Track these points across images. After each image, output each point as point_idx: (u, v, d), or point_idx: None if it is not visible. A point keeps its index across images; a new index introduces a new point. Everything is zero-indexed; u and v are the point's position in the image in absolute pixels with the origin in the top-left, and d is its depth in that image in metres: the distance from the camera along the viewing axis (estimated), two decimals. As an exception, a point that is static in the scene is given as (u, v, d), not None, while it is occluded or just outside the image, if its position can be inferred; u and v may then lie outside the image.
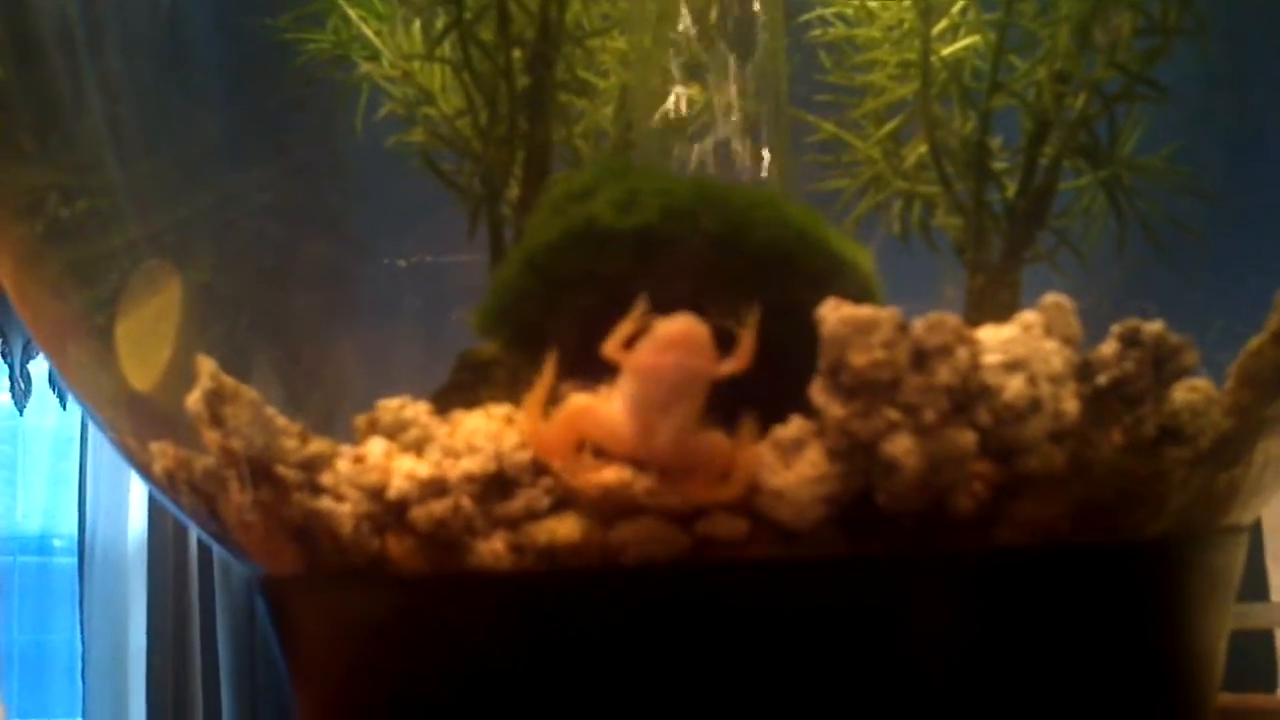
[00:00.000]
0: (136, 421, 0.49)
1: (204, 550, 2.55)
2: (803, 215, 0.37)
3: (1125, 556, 0.39)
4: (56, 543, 3.24)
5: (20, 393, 2.80)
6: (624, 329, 0.35)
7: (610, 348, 0.35)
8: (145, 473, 0.47)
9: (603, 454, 0.36)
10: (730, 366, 0.35)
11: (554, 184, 0.46)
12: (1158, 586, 0.40)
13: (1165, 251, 0.47)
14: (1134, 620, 0.39)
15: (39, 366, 2.72)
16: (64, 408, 2.82)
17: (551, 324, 0.38)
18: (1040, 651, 0.38)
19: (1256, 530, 0.46)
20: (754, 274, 0.36)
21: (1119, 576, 0.39)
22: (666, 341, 0.34)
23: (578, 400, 0.36)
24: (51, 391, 2.71)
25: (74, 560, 2.85)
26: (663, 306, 0.34)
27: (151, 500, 2.56)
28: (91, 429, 2.63)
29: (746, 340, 0.35)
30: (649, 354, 0.34)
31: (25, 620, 3.21)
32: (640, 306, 0.35)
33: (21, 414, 2.87)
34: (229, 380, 0.40)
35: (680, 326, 0.34)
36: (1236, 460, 0.41)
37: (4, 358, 2.70)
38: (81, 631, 2.80)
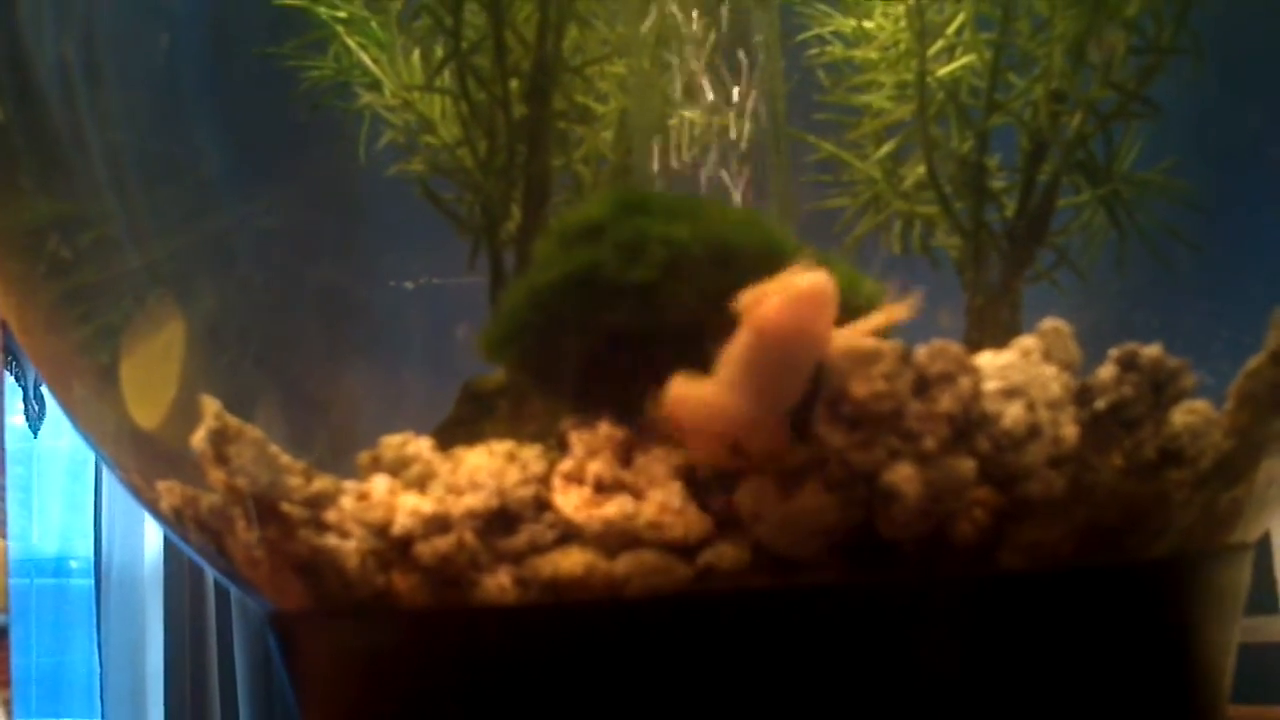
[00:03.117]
0: (141, 459, 0.49)
1: (219, 570, 2.55)
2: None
3: (1129, 577, 0.39)
4: (73, 564, 3.25)
5: (34, 415, 2.81)
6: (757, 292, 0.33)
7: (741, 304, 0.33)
8: (153, 509, 0.47)
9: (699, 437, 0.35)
10: (872, 323, 0.34)
11: (563, 214, 0.46)
12: (1163, 606, 0.40)
13: (1165, 267, 0.47)
14: (1140, 640, 0.39)
15: (52, 389, 2.72)
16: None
17: (554, 357, 0.38)
18: (1047, 674, 0.38)
19: (1265, 544, 0.46)
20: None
21: (1123, 597, 0.39)
22: (798, 295, 0.32)
23: (678, 390, 0.34)
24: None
25: (90, 582, 2.86)
26: (662, 352, 0.34)
27: (166, 520, 2.56)
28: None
29: (881, 318, 0.34)
30: (776, 310, 0.32)
31: (43, 642, 3.22)
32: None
33: (36, 436, 2.87)
34: (233, 419, 0.40)
35: (817, 280, 0.32)
36: (1239, 480, 0.41)
37: (17, 380, 2.71)
38: (99, 653, 2.81)
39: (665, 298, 0.36)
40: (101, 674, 2.79)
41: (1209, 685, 0.42)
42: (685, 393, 0.34)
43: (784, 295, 0.32)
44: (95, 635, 2.82)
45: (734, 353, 0.33)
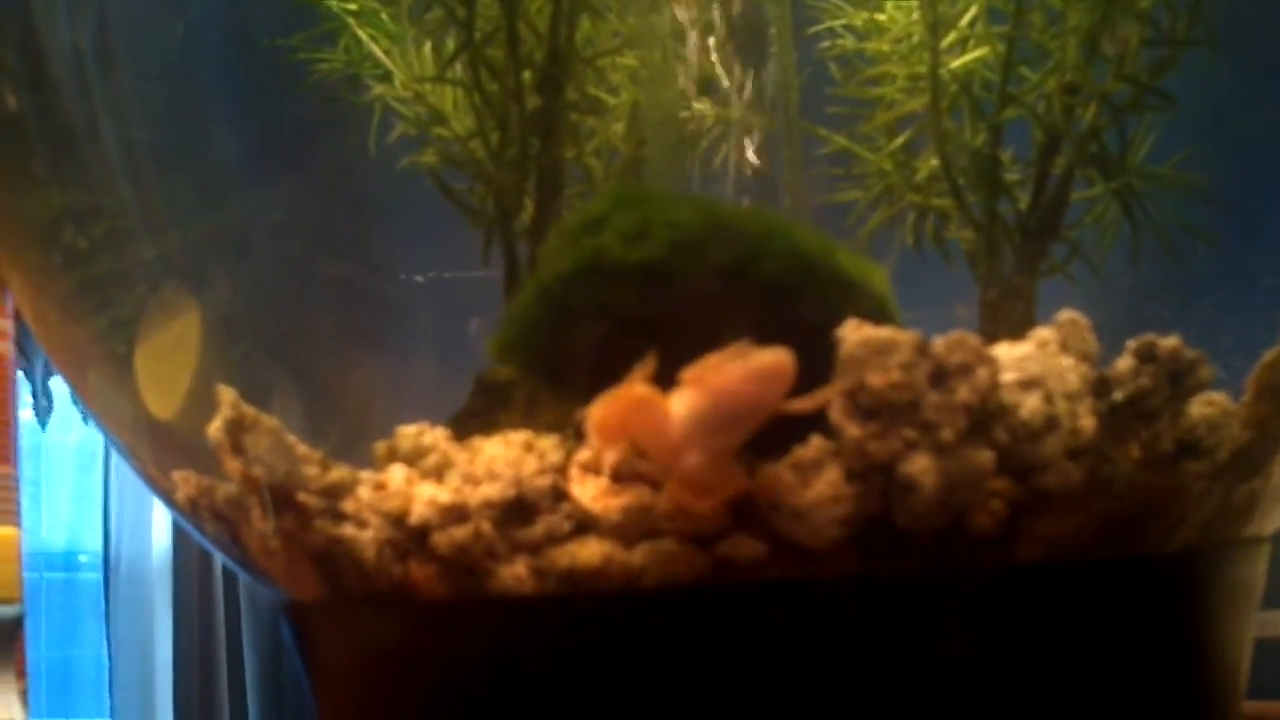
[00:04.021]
0: (157, 450, 0.49)
1: (228, 563, 2.56)
2: (815, 243, 0.37)
3: (1146, 570, 0.39)
4: (82, 558, 3.26)
5: (43, 409, 2.82)
6: (716, 360, 0.34)
7: (692, 373, 0.34)
8: (168, 500, 0.48)
9: (639, 451, 0.36)
10: (801, 405, 0.34)
11: (566, 213, 0.46)
12: (1179, 599, 0.40)
13: (1180, 260, 0.47)
14: (1156, 633, 0.39)
15: (61, 382, 2.73)
16: (86, 423, 2.83)
17: (566, 353, 0.38)
18: (1063, 666, 0.38)
19: (1280, 537, 0.46)
20: (765, 304, 0.36)
21: (1140, 590, 0.39)
22: (756, 371, 0.33)
23: (640, 390, 0.35)
24: (74, 407, 2.72)
25: (99, 576, 2.87)
26: (672, 336, 0.34)
27: (174, 514, 2.57)
28: (114, 444, 2.63)
29: (827, 394, 0.35)
30: (735, 379, 0.33)
31: (52, 636, 3.23)
32: (742, 343, 0.34)
33: (44, 430, 2.88)
34: (249, 409, 0.40)
35: (775, 359, 0.33)
36: (1256, 472, 0.41)
37: (26, 374, 2.72)
38: (108, 646, 2.82)
39: (672, 276, 0.36)
40: (110, 667, 2.80)
41: (1224, 679, 0.42)
42: (647, 400, 0.35)
43: (744, 367, 0.33)
44: (104, 629, 2.83)
45: (687, 399, 0.34)
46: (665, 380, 0.35)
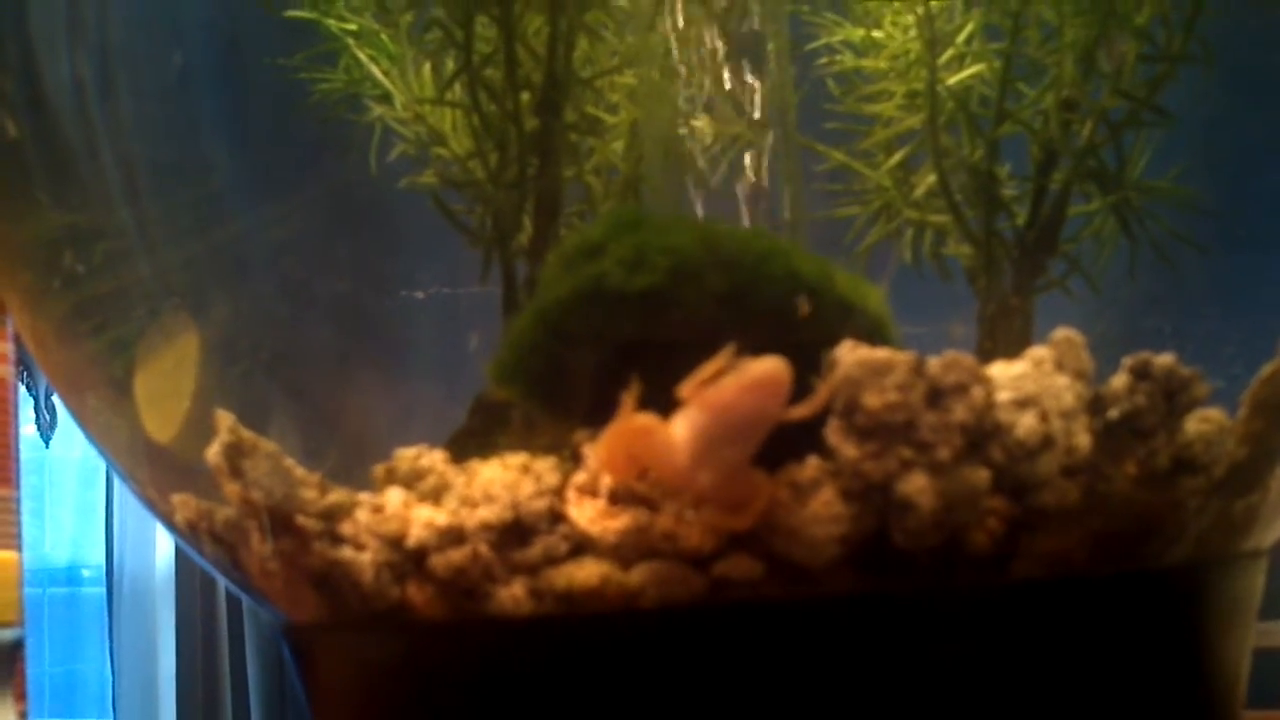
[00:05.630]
0: (156, 473, 0.49)
1: (231, 578, 2.55)
2: (812, 266, 0.37)
3: (1144, 585, 0.39)
4: (85, 573, 3.26)
5: (45, 424, 2.81)
6: (708, 371, 0.34)
7: (688, 389, 0.34)
8: (167, 522, 0.48)
9: (648, 476, 0.36)
10: (800, 412, 0.35)
11: (563, 238, 0.46)
12: (1178, 613, 0.40)
13: (1176, 274, 0.47)
14: (1155, 647, 0.39)
15: (63, 398, 2.72)
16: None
17: (564, 378, 0.38)
18: (1061, 683, 0.38)
19: (1279, 549, 0.46)
20: (763, 329, 0.36)
21: (1138, 605, 0.39)
22: (753, 382, 0.34)
23: (640, 420, 0.35)
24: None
25: (102, 590, 2.86)
26: (671, 362, 0.34)
27: (178, 529, 2.56)
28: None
29: (823, 392, 0.35)
30: (732, 392, 0.34)
31: (56, 651, 3.23)
32: (729, 350, 0.34)
33: (47, 445, 2.88)
34: (248, 433, 0.40)
35: (770, 368, 0.34)
36: (1253, 487, 0.41)
37: (29, 390, 2.72)
38: (111, 661, 2.81)
39: (671, 303, 0.36)
40: (114, 682, 2.80)
41: (1223, 692, 0.42)
42: (647, 429, 0.35)
43: (738, 380, 0.34)
44: (107, 643, 2.83)
45: (689, 418, 0.34)
46: (667, 405, 0.35)
